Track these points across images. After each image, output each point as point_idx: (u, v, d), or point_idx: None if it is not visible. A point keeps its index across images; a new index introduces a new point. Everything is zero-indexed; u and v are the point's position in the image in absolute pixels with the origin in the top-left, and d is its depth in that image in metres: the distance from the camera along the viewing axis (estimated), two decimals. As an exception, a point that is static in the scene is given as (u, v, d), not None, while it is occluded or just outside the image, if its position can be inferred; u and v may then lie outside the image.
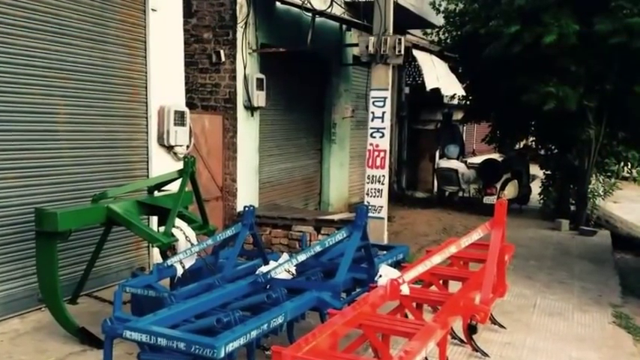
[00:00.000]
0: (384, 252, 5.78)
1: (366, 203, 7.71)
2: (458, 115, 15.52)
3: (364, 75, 10.83)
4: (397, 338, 4.21)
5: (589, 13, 9.37)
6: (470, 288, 4.67)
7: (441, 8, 12.79)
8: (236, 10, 8.28)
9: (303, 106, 10.58)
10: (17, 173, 5.53)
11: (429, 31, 14.14)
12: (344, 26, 10.68)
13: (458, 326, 4.92)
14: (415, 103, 15.26)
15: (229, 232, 5.25)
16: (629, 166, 14.39)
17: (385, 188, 7.91)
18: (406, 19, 11.24)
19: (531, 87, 9.91)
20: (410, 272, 4.32)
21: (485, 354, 4.92)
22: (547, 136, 12.55)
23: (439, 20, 13.06)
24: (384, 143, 7.88)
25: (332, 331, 3.42)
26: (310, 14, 8.85)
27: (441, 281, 5.38)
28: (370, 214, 6.34)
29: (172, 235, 5.27)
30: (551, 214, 12.31)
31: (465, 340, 5.00)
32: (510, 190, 12.70)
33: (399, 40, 7.68)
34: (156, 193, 5.97)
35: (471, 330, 4.89)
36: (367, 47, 7.76)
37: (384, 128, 7.87)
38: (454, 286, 5.23)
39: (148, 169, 6.96)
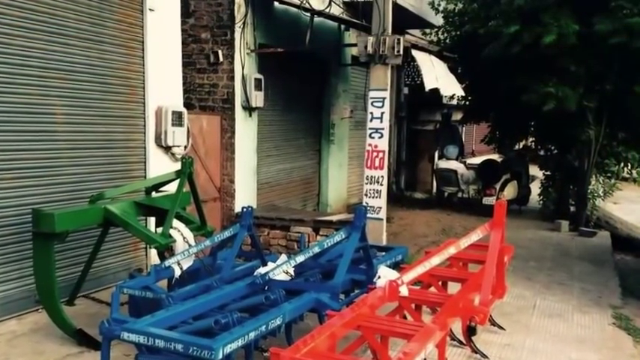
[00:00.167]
0: (383, 253, 5.75)
1: (364, 204, 7.69)
2: (457, 116, 15.50)
3: (363, 75, 10.84)
4: (396, 340, 4.18)
5: (589, 13, 9.36)
6: (469, 289, 4.65)
7: (440, 8, 12.77)
8: (234, 10, 8.26)
9: (301, 107, 10.56)
10: (14, 174, 5.51)
11: (428, 31, 14.13)
12: (342, 26, 10.68)
13: (457, 328, 4.89)
14: (414, 104, 15.26)
15: (227, 233, 5.23)
16: (629, 167, 14.35)
17: (384, 189, 7.89)
18: (405, 19, 11.23)
19: (531, 87, 9.89)
20: (409, 273, 4.30)
21: (484, 355, 4.90)
22: (547, 136, 12.53)
23: (438, 20, 13.05)
24: (383, 144, 7.86)
25: (330, 333, 3.41)
26: (309, 14, 8.83)
27: (440, 282, 5.35)
28: (369, 215, 6.32)
29: (170, 236, 5.24)
30: (550, 215, 12.29)
31: (465, 341, 4.97)
32: (510, 191, 12.68)
33: (398, 40, 7.67)
34: (153, 194, 5.94)
35: (470, 331, 4.87)
36: (366, 47, 7.74)
37: (382, 129, 7.85)
38: (453, 288, 5.21)
39: (145, 169, 6.95)
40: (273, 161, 9.86)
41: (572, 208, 12.21)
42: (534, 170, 14.34)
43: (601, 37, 9.14)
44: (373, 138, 7.88)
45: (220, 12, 8.34)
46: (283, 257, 5.18)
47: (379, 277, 4.32)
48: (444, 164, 14.02)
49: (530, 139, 14.47)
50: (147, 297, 4.41)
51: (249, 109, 8.64)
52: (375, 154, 7.87)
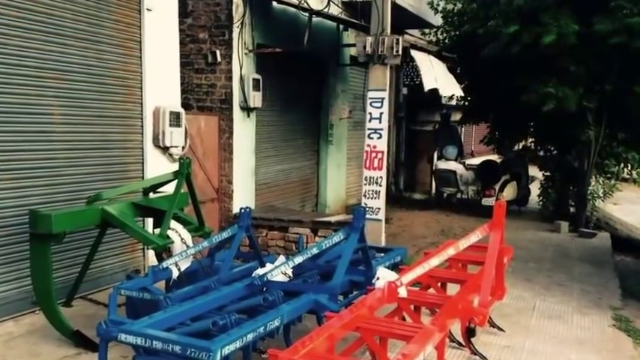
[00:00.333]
0: (382, 254, 5.74)
1: (363, 205, 7.68)
2: (456, 116, 15.48)
3: (362, 75, 10.83)
4: (395, 341, 4.17)
5: (588, 13, 9.34)
6: (468, 290, 4.62)
7: (439, 8, 12.77)
8: (232, 9, 8.24)
9: (300, 107, 10.54)
10: (11, 174, 5.48)
11: (427, 31, 14.13)
12: (341, 26, 10.66)
13: (456, 329, 4.89)
14: (413, 104, 15.25)
15: (225, 234, 5.22)
16: (629, 168, 14.37)
17: (383, 190, 7.87)
18: (404, 19, 11.22)
19: (530, 87, 9.87)
20: (408, 275, 4.28)
21: (483, 357, 4.87)
22: (546, 137, 12.51)
23: (437, 20, 13.05)
24: (382, 144, 7.83)
25: (329, 334, 3.40)
26: (307, 14, 8.81)
27: (439, 284, 5.33)
28: (368, 216, 6.32)
29: (168, 237, 5.23)
30: (550, 216, 12.28)
31: (464, 343, 4.95)
32: (509, 192, 12.68)
33: (397, 40, 7.65)
34: (151, 195, 5.93)
35: (469, 333, 4.88)
36: (365, 47, 7.73)
37: (381, 129, 7.83)
38: (452, 289, 5.19)
39: (143, 170, 6.92)
40: (272, 162, 9.83)
41: (571, 209, 12.20)
42: (534, 171, 14.33)
43: (601, 37, 9.12)
44: (372, 138, 7.85)
45: (218, 12, 8.32)
46: (281, 258, 5.16)
47: (378, 279, 4.30)
48: (443, 165, 14.01)
49: (530, 140, 14.47)
50: (144, 298, 4.41)
51: (247, 109, 8.62)
52: (373, 154, 7.84)
